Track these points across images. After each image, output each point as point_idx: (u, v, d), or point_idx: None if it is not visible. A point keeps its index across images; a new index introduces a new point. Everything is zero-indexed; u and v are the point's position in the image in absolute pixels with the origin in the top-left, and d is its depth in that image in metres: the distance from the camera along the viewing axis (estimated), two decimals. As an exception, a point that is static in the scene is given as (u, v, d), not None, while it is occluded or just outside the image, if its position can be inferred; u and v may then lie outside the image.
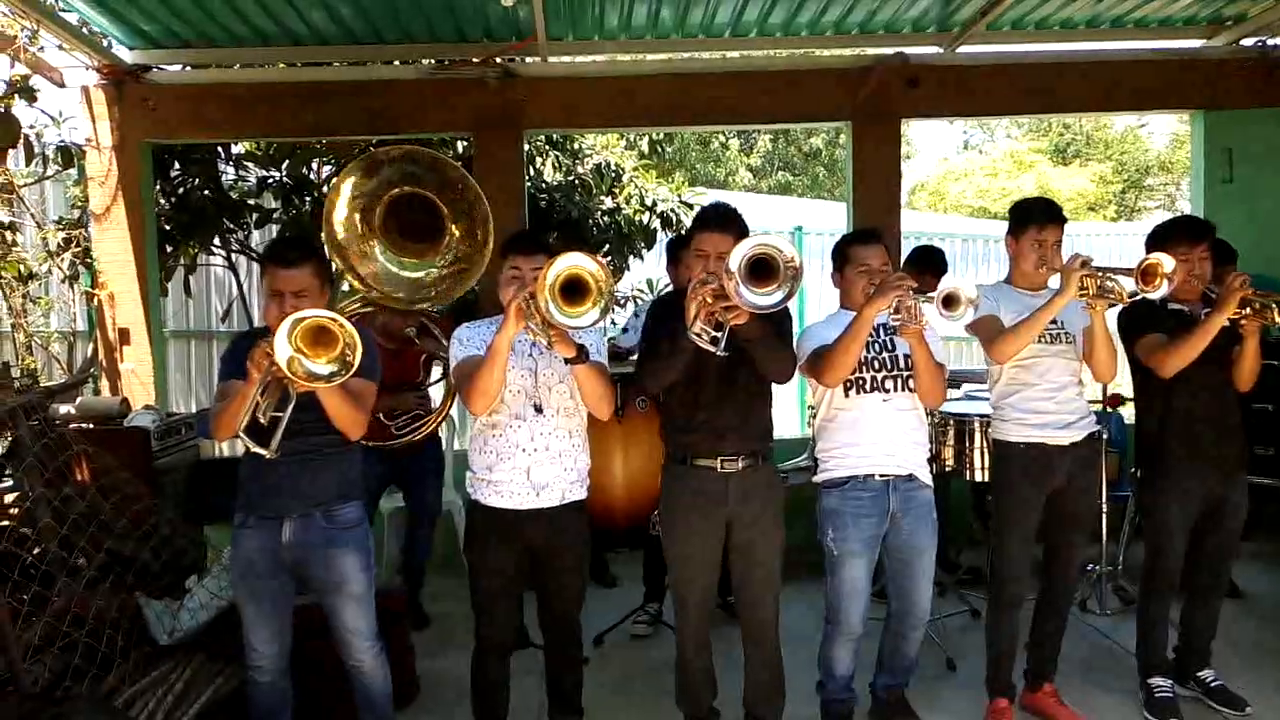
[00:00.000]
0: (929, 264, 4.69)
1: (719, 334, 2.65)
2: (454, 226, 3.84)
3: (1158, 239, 3.41)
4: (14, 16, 4.43)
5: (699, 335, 2.65)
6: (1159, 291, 3.09)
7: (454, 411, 6.64)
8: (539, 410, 2.91)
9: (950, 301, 2.95)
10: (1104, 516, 4.52)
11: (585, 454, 3.05)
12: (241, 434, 2.59)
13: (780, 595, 3.14)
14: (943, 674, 3.89)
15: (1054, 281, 3.26)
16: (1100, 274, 3.12)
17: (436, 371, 4.53)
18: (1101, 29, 5.36)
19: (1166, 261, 3.07)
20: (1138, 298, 3.19)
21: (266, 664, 2.89)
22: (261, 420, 2.57)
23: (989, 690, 3.49)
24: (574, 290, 2.55)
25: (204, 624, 3.37)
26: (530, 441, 2.91)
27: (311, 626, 2.97)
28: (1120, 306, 3.30)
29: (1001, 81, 5.39)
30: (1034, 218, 3.31)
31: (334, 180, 4.00)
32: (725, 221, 2.92)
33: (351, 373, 2.49)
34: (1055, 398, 3.29)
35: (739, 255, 2.53)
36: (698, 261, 2.90)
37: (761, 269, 2.56)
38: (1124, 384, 3.91)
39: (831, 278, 3.32)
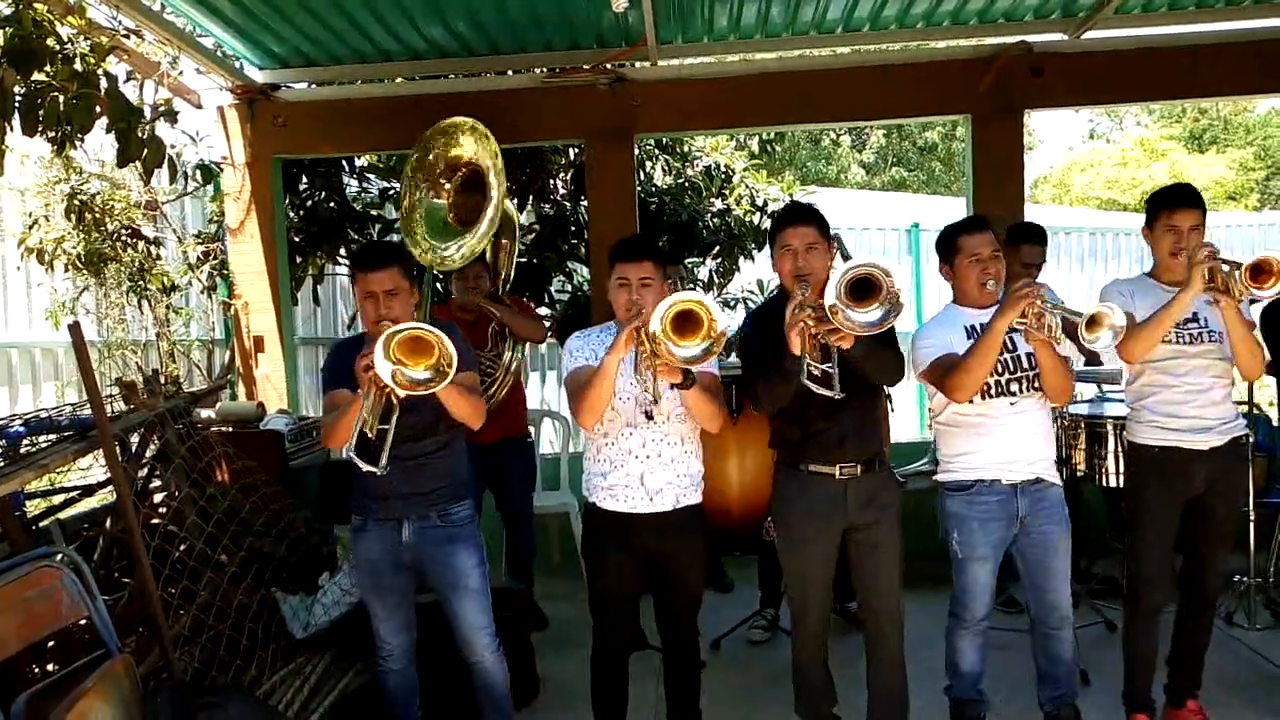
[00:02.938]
0: (1028, 238, 4.40)
1: (830, 368, 2.65)
2: (494, 192, 4.01)
3: None
4: (158, 44, 4.71)
5: (811, 379, 2.65)
6: (1270, 291, 2.87)
7: (567, 413, 6.76)
8: (650, 417, 2.92)
9: (1095, 323, 2.79)
10: (1252, 525, 4.25)
11: (698, 459, 3.05)
12: (352, 455, 2.67)
13: (903, 603, 3.07)
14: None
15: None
16: (1228, 265, 2.91)
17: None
18: (1243, 6, 5.03)
19: None
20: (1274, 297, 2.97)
21: (398, 653, 3.05)
22: (369, 434, 2.67)
23: (1126, 705, 3.33)
24: (686, 322, 2.60)
25: (336, 620, 3.50)
26: (643, 448, 2.94)
27: (435, 624, 3.08)
28: (1262, 306, 3.09)
29: (1133, 67, 5.11)
30: (1164, 203, 3.14)
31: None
32: (803, 215, 2.93)
33: (450, 378, 2.55)
34: (1195, 400, 3.11)
35: (838, 276, 2.53)
36: (786, 257, 2.90)
37: (862, 288, 2.55)
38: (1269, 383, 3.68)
39: (940, 271, 3.21)
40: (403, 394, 2.60)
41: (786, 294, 2.86)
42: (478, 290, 4.36)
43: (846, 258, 4.15)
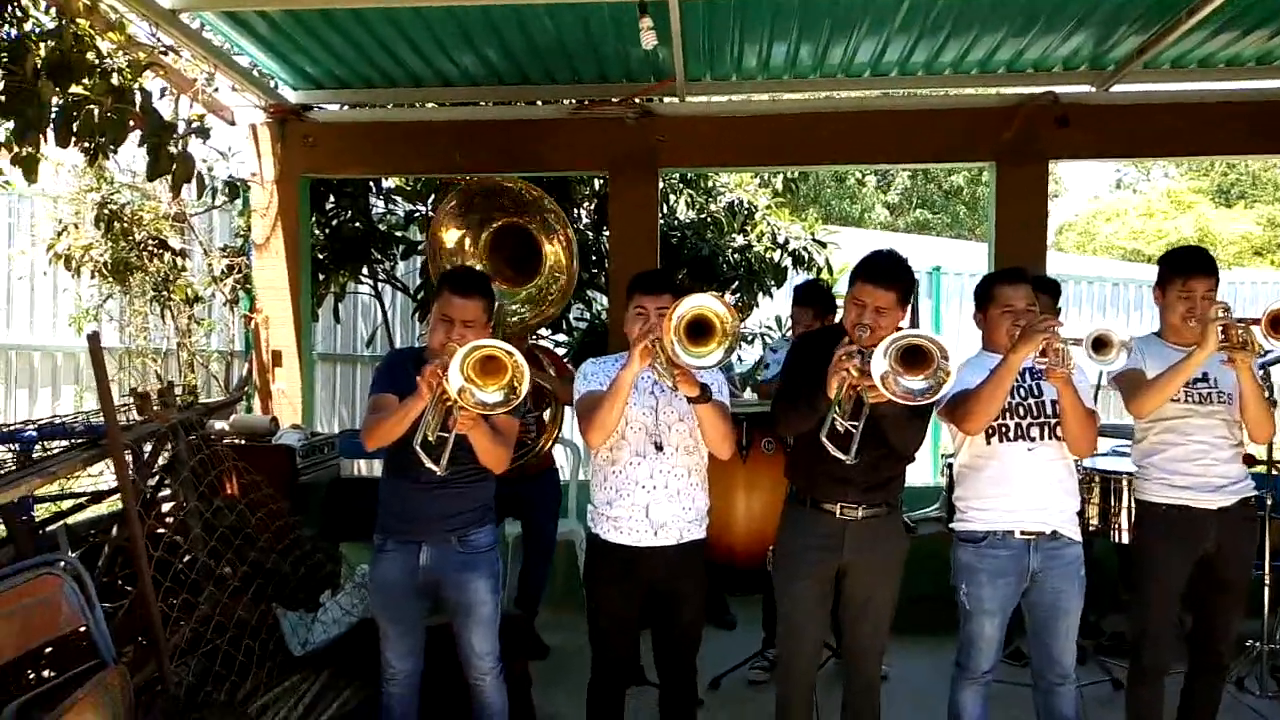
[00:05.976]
0: (1040, 289, 4.39)
1: (855, 427, 2.65)
2: (548, 247, 4.11)
3: None
4: (194, 61, 4.80)
5: (832, 435, 2.64)
6: None
7: (578, 441, 6.75)
8: (659, 448, 2.92)
9: (1101, 344, 2.81)
10: (1266, 589, 4.17)
11: (704, 493, 3.04)
12: (418, 448, 2.63)
13: (888, 649, 3.05)
14: (1080, 747, 3.65)
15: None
16: (1241, 325, 2.88)
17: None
18: (1275, 65, 5.02)
19: None
20: None
21: (402, 678, 3.01)
22: (430, 439, 2.64)
23: (1131, 768, 3.26)
24: (699, 331, 2.57)
25: (334, 639, 3.50)
26: (650, 479, 2.92)
27: (441, 648, 3.06)
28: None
29: (1160, 121, 5.11)
30: (1179, 269, 3.12)
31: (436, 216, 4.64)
32: (890, 277, 2.81)
33: (517, 400, 2.54)
34: (1201, 460, 3.08)
35: (890, 343, 2.50)
36: (852, 308, 2.84)
37: (913, 356, 2.52)
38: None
39: (974, 318, 3.19)
40: (458, 411, 2.57)
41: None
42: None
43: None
